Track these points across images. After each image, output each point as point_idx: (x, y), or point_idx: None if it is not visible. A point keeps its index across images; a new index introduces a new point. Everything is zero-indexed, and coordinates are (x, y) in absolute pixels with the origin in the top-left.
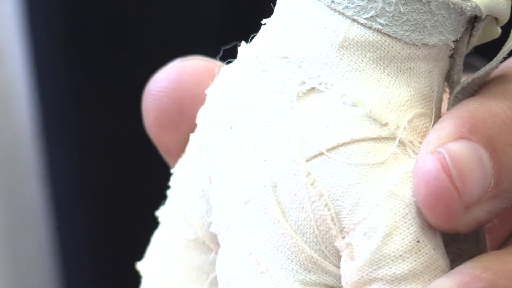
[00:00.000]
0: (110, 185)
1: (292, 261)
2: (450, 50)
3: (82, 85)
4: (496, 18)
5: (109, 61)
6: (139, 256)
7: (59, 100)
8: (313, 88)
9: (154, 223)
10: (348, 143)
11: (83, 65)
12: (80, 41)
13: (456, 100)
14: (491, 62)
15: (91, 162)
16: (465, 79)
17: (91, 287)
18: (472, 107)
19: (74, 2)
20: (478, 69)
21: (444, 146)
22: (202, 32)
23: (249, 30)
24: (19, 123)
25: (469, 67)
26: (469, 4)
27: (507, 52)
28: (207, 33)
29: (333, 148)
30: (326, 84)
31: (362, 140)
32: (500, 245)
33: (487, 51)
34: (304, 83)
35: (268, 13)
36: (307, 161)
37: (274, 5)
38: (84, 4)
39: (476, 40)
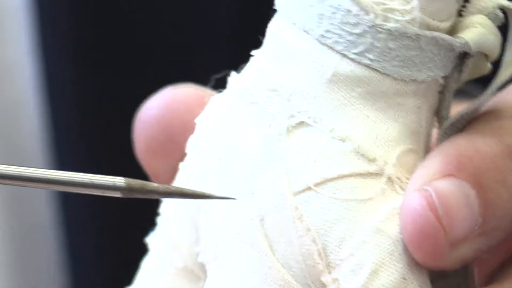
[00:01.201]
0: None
1: None
2: (439, 85)
3: (92, 99)
4: (485, 54)
5: (119, 73)
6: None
7: (68, 113)
8: (302, 122)
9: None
10: (336, 178)
11: (93, 78)
12: (91, 54)
13: (445, 136)
14: (480, 98)
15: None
16: (455, 115)
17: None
18: (460, 144)
19: (84, 15)
20: (471, 96)
21: (430, 183)
22: (212, 45)
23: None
24: (29, 136)
25: (462, 93)
26: (459, 40)
27: (495, 88)
28: (217, 44)
29: (321, 183)
30: (314, 118)
31: (350, 175)
32: (488, 280)
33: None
34: (293, 117)
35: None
36: (294, 195)
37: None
38: (94, 17)
39: (466, 76)
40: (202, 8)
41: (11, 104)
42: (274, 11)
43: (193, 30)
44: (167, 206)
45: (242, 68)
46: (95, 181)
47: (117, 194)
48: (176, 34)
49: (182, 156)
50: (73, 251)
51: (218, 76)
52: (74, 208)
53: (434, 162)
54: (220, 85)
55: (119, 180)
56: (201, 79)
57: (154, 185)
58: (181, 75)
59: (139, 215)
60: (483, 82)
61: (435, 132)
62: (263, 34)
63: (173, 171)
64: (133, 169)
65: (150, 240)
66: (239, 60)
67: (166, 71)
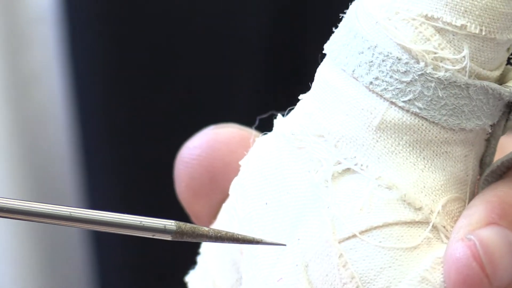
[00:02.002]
0: (148, 206)
1: None
2: (487, 134)
3: (121, 110)
4: None
5: (147, 82)
6: None
7: (97, 120)
8: (348, 169)
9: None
10: (382, 226)
11: (121, 87)
12: (119, 63)
13: (485, 183)
14: None
15: (127, 180)
16: (495, 162)
17: None
18: (501, 192)
19: (113, 20)
20: None
21: (474, 232)
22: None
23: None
24: (57, 142)
25: None
26: (508, 89)
27: None
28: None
29: (366, 230)
30: (361, 165)
31: (396, 223)
32: None
33: None
34: (339, 163)
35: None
36: (339, 242)
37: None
38: (124, 22)
39: None
40: (234, 25)
41: (40, 109)
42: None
43: (226, 50)
44: (208, 246)
45: (288, 111)
46: (146, 223)
47: (167, 237)
48: (210, 57)
49: (223, 196)
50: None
51: (263, 116)
52: (108, 247)
53: (477, 211)
54: (264, 126)
55: (170, 224)
56: (243, 116)
57: (204, 229)
58: (221, 109)
59: (179, 253)
60: None
61: None
62: (295, 55)
63: (214, 212)
64: (160, 184)
65: (190, 279)
66: (272, 84)
67: (199, 86)
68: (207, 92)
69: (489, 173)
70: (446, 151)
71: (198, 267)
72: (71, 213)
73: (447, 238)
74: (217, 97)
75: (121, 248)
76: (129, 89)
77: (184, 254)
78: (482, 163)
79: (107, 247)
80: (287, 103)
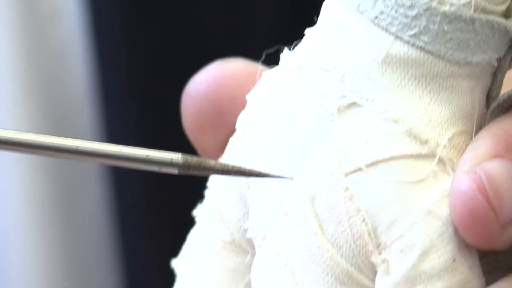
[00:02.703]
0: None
1: (327, 274)
2: (493, 68)
3: (139, 47)
4: None
5: (164, 17)
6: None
7: (116, 61)
8: (354, 103)
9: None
10: (387, 159)
11: (140, 23)
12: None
13: (492, 117)
14: None
15: (146, 122)
16: (501, 95)
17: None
18: (508, 125)
19: None
20: None
21: (480, 165)
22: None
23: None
24: (76, 84)
25: None
26: None
27: None
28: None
29: (372, 164)
30: (367, 99)
31: (402, 157)
32: None
33: None
34: (345, 97)
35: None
36: (345, 175)
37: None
38: None
39: None
40: None
41: (59, 47)
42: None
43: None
44: (216, 180)
45: (294, 45)
46: (152, 156)
47: (174, 171)
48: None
49: (230, 131)
50: (122, 223)
51: (269, 51)
52: (122, 182)
53: (483, 144)
54: (271, 60)
55: (176, 157)
56: (250, 50)
57: (211, 162)
58: (230, 44)
59: (187, 187)
60: None
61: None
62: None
63: (221, 146)
64: (179, 130)
65: (198, 213)
66: (288, 33)
67: (215, 37)
68: (216, 28)
69: (495, 106)
70: (452, 85)
71: (205, 201)
72: (78, 146)
73: (454, 171)
74: (225, 31)
75: (136, 185)
76: (147, 25)
77: (192, 188)
78: (489, 96)
79: (120, 184)
80: (293, 37)
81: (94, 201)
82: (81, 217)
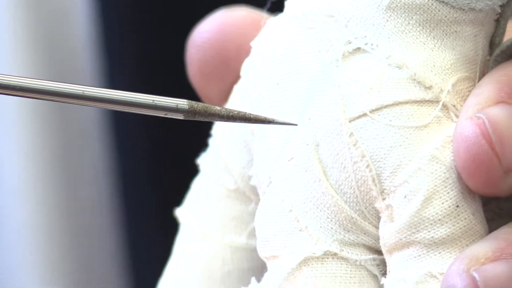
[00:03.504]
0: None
1: (331, 220)
2: (496, 14)
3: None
4: None
5: None
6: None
7: (120, 12)
8: (358, 48)
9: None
10: (392, 105)
11: None
12: None
13: (495, 63)
14: None
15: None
16: (505, 42)
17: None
18: (510, 71)
19: None
20: None
21: (483, 111)
22: None
23: None
24: (78, 36)
25: None
26: None
27: None
28: None
29: (377, 109)
30: (372, 44)
31: (406, 102)
32: None
33: None
34: (350, 43)
35: None
36: (350, 121)
37: None
38: None
39: None
40: None
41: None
42: None
43: None
44: (220, 128)
45: None
46: (158, 102)
47: (179, 116)
48: None
49: (235, 79)
50: (124, 170)
51: None
52: (125, 127)
53: (486, 90)
54: (275, 8)
55: (182, 102)
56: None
57: (217, 108)
58: None
59: (192, 136)
60: None
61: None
62: None
63: (225, 94)
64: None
65: (202, 161)
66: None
67: None
68: None
69: (499, 53)
70: (456, 31)
71: (209, 149)
72: (84, 91)
73: (457, 117)
74: None
75: (139, 132)
76: None
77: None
78: (492, 43)
79: (125, 132)
80: None
81: (96, 157)
82: (82, 172)
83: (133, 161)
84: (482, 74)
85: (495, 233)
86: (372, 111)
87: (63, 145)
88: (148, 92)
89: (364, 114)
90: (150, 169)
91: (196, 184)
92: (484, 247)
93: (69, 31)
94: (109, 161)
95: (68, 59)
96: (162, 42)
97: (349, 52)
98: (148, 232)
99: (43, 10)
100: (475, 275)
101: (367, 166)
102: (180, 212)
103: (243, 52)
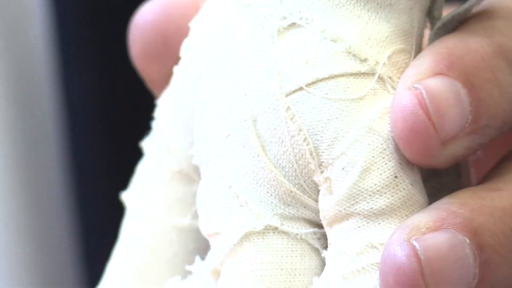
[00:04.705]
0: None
1: (271, 195)
2: None
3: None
4: None
5: None
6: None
7: (75, 22)
8: (293, 23)
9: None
10: (328, 78)
11: None
12: None
13: (436, 36)
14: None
15: (103, 77)
16: (446, 15)
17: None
18: (451, 44)
19: None
20: (462, 2)
21: (421, 82)
22: None
23: None
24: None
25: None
26: None
27: None
28: None
29: (313, 83)
30: (306, 19)
31: (342, 75)
32: (481, 180)
33: None
34: (285, 18)
35: None
36: (286, 95)
37: None
38: None
39: None
40: None
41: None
42: None
43: None
44: (162, 110)
45: None
46: None
47: None
48: None
49: (177, 61)
50: (76, 156)
51: None
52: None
53: (425, 61)
54: None
55: None
56: None
57: None
58: None
59: (135, 120)
60: None
61: (427, 34)
62: None
63: (168, 76)
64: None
65: (146, 144)
66: None
67: None
68: None
69: (440, 26)
70: (390, 3)
71: (153, 132)
72: None
73: (394, 88)
74: None
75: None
76: None
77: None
78: (431, 17)
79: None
80: None
81: (51, 153)
82: (39, 170)
83: (90, 157)
84: (419, 46)
85: (436, 204)
86: (308, 84)
87: (19, 144)
88: (106, 90)
89: (300, 88)
90: (107, 165)
91: (141, 168)
92: (425, 217)
93: (24, 31)
94: (65, 158)
95: (23, 60)
96: (120, 40)
97: (284, 28)
98: (104, 225)
99: None
100: (416, 244)
101: (305, 139)
102: (126, 196)
103: (184, 33)
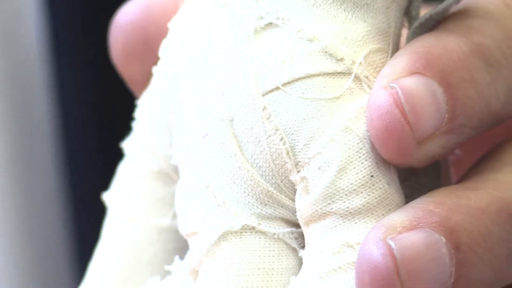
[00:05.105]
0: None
1: (248, 195)
2: None
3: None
4: None
5: None
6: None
7: (68, 23)
8: (270, 23)
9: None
10: (304, 77)
11: None
12: None
13: (414, 36)
14: None
15: (96, 81)
16: (423, 14)
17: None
18: (428, 43)
19: None
20: (440, 2)
21: (397, 81)
22: None
23: None
24: (29, 46)
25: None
26: None
27: None
28: None
29: (289, 82)
30: (283, 19)
31: (318, 75)
32: (459, 179)
33: None
34: (261, 18)
35: None
36: (263, 95)
37: None
38: None
39: None
40: None
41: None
42: None
43: None
44: (142, 110)
45: None
46: None
47: None
48: None
49: (156, 60)
50: (70, 156)
51: None
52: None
53: (401, 60)
54: None
55: None
56: None
57: None
58: None
59: (115, 120)
60: None
61: (405, 33)
62: None
63: (148, 76)
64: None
65: (126, 145)
66: None
67: None
68: None
69: (417, 25)
70: (366, 3)
71: (133, 133)
72: None
73: (370, 88)
74: None
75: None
76: None
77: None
78: (409, 16)
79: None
80: None
81: (44, 153)
82: (31, 171)
83: (83, 157)
84: (396, 46)
85: (412, 203)
86: (284, 84)
87: (12, 144)
88: (97, 87)
89: (277, 88)
90: (101, 165)
91: (122, 168)
92: (401, 216)
93: (18, 32)
94: (58, 158)
95: (16, 61)
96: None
97: (261, 27)
98: (98, 226)
99: None
100: (391, 243)
101: (281, 139)
102: (107, 196)
103: (164, 33)
